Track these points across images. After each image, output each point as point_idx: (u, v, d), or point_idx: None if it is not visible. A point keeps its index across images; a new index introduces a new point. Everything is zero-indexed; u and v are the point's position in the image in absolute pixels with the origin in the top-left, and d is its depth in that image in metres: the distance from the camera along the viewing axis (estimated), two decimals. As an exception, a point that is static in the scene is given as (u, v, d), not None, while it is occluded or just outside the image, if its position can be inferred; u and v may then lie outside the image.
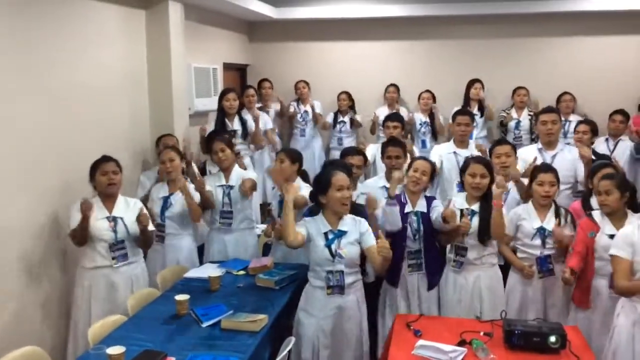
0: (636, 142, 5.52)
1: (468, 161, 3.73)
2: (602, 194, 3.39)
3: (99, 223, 3.67)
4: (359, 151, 4.44)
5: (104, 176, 3.70)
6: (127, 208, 3.80)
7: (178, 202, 4.24)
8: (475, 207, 3.63)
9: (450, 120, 5.10)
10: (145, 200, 4.28)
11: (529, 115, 6.76)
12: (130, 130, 4.90)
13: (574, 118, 6.49)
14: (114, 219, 3.71)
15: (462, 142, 4.82)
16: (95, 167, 3.72)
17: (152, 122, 5.18)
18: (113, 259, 3.68)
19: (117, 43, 4.74)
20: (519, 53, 7.35)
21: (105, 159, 3.76)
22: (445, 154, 4.83)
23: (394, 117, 5.28)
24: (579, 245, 3.49)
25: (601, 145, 5.75)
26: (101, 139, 4.38)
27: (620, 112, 5.89)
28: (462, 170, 3.72)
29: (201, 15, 6.19)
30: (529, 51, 7.34)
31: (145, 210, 3.85)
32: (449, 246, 3.75)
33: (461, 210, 3.63)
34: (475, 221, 3.59)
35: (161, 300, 3.56)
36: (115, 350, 2.70)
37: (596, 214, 3.53)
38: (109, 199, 3.76)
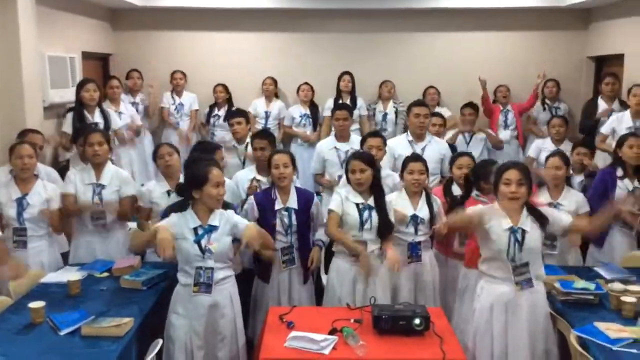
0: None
1: (349, 158, 3.71)
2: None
3: None
4: (216, 146, 4.55)
5: None
6: None
7: (36, 201, 3.90)
8: (371, 201, 3.61)
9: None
10: None
11: (394, 107, 7.00)
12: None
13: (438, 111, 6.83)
14: None
15: (342, 137, 4.89)
16: None
17: (0, 116, 4.72)
18: None
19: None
20: (387, 47, 7.58)
21: None
22: (326, 150, 4.88)
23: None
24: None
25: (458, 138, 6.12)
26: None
27: (470, 105, 6.26)
28: (346, 167, 3.70)
29: (55, 1, 5.77)
30: (396, 45, 7.59)
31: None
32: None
33: (357, 205, 3.59)
34: (375, 216, 3.58)
35: (14, 309, 3.26)
36: (-43, 367, 2.46)
37: None
38: None
